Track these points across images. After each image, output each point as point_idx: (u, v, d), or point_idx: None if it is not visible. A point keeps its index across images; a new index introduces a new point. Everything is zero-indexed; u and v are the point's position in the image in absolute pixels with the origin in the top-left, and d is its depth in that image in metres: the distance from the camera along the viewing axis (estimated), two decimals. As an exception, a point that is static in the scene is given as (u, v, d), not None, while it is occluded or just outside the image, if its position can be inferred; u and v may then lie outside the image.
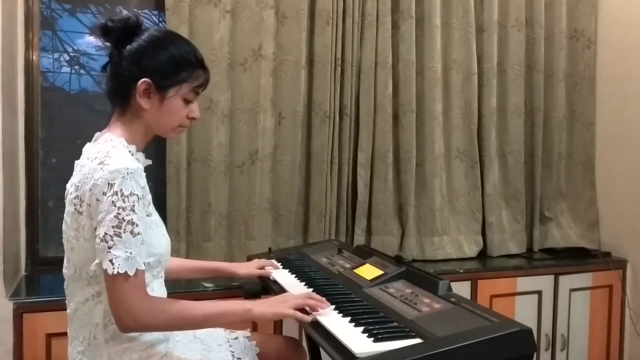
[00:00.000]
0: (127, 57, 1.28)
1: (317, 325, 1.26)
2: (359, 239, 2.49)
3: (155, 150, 2.22)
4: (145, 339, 1.28)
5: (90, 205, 1.18)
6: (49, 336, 1.81)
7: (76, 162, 1.31)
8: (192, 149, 2.27)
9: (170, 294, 1.41)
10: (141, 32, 1.30)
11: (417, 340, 1.11)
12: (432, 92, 2.58)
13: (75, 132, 2.27)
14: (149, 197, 1.26)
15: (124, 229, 1.15)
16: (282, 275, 1.70)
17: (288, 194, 2.40)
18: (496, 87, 2.72)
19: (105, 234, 1.14)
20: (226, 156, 2.31)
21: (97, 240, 1.16)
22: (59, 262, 1.36)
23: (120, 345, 1.25)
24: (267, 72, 2.32)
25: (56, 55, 2.28)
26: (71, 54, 2.31)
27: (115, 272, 1.14)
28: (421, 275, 1.45)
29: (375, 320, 1.24)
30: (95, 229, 1.17)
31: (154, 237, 1.28)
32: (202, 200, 2.27)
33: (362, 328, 1.18)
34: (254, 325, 1.91)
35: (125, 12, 1.33)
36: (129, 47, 1.28)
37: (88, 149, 1.30)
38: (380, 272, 1.53)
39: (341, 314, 1.29)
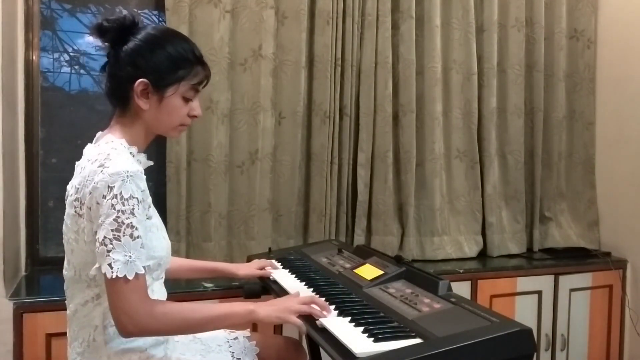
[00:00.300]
0: (123, 57, 1.26)
1: (317, 325, 1.26)
2: (359, 239, 2.49)
3: (155, 150, 2.22)
4: (145, 341, 1.27)
5: (90, 208, 1.18)
6: (49, 336, 1.81)
7: (77, 163, 1.30)
8: (192, 149, 2.27)
9: (170, 294, 1.41)
10: (138, 31, 1.28)
11: (417, 340, 1.11)
12: (432, 92, 2.58)
13: (75, 132, 2.27)
14: (149, 199, 1.25)
15: (124, 233, 1.14)
16: (282, 276, 1.70)
17: (288, 194, 2.40)
18: (496, 87, 2.72)
19: (105, 237, 1.14)
20: (226, 156, 2.31)
21: (97, 243, 1.15)
22: (59, 262, 1.36)
23: (119, 347, 1.24)
24: (267, 72, 2.32)
25: (56, 55, 2.28)
26: (71, 54, 2.31)
27: (114, 276, 1.13)
28: (421, 275, 1.45)
29: (375, 320, 1.24)
30: (96, 232, 1.16)
31: (154, 240, 1.27)
32: (202, 200, 2.27)
33: (362, 328, 1.18)
34: (253, 326, 1.91)
35: (125, 12, 1.30)
36: (125, 47, 1.27)
37: (88, 150, 1.30)
38: (380, 272, 1.53)
39: (341, 314, 1.29)
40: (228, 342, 1.51)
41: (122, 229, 1.14)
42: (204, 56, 1.35)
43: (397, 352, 1.05)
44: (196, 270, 1.73)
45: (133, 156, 1.27)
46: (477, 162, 2.70)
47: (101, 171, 1.16)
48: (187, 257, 2.21)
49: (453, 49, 2.64)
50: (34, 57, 2.19)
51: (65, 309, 1.32)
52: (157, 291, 1.33)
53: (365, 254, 1.73)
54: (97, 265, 1.17)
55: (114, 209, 1.14)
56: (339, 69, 2.43)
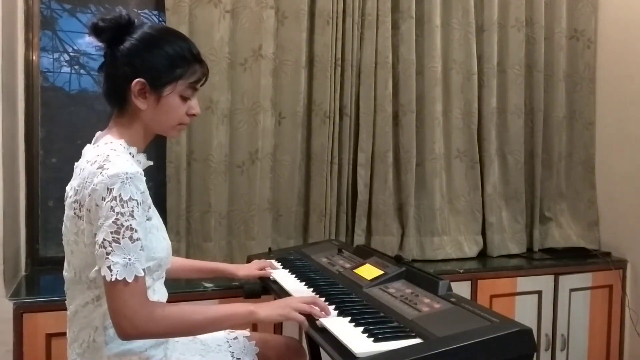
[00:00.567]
0: (120, 57, 1.25)
1: (317, 325, 1.26)
2: (359, 239, 2.49)
3: (155, 150, 2.22)
4: (145, 342, 1.27)
5: (89, 210, 1.17)
6: (49, 336, 1.80)
7: (76, 164, 1.29)
8: (192, 149, 2.27)
9: (171, 294, 1.41)
10: (134, 30, 1.27)
11: (417, 340, 1.11)
12: (432, 92, 2.58)
13: (75, 132, 2.27)
14: (149, 200, 1.24)
15: (123, 235, 1.13)
16: (282, 276, 1.70)
17: (288, 194, 2.40)
18: (496, 87, 2.72)
19: (104, 239, 1.13)
20: (226, 156, 2.31)
21: (96, 246, 1.14)
22: (59, 262, 1.36)
23: (119, 348, 1.24)
24: (267, 72, 2.32)
25: (56, 55, 2.28)
26: (71, 54, 2.31)
27: (113, 279, 1.12)
28: (421, 275, 1.45)
29: (375, 320, 1.24)
30: (95, 234, 1.15)
31: (154, 241, 1.26)
32: (202, 200, 2.27)
33: (362, 328, 1.18)
34: (253, 326, 1.91)
35: (120, 11, 1.29)
36: (121, 46, 1.25)
37: (88, 151, 1.28)
38: (380, 272, 1.53)
39: (341, 314, 1.29)
40: (228, 342, 1.51)
41: (122, 231, 1.13)
42: (202, 54, 1.33)
43: (397, 352, 1.05)
44: (196, 271, 1.73)
45: (132, 156, 1.27)
46: (477, 162, 2.70)
47: (100, 173, 1.16)
48: (187, 256, 2.21)
49: (453, 49, 2.64)
50: (34, 57, 2.19)
51: (65, 309, 1.31)
52: (158, 291, 1.33)
53: (365, 254, 1.73)
54: (96, 268, 1.16)
55: (113, 211, 1.13)
56: (339, 69, 2.43)
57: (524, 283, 2.51)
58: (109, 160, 1.18)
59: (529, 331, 1.08)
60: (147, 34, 1.27)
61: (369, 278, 1.52)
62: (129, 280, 1.13)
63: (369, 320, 1.23)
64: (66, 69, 2.30)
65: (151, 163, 1.36)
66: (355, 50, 2.46)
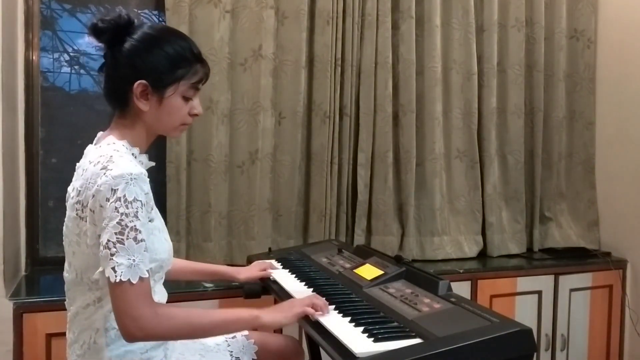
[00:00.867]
0: (120, 58, 1.24)
1: (317, 325, 1.26)
2: (359, 239, 2.49)
3: (155, 150, 2.22)
4: (146, 343, 1.26)
5: (93, 211, 1.16)
6: (49, 336, 1.81)
7: (77, 164, 1.29)
8: (192, 149, 2.27)
9: (171, 294, 1.41)
10: (134, 31, 1.25)
11: (417, 340, 1.11)
12: (432, 92, 2.58)
13: (75, 132, 2.27)
14: (152, 202, 1.24)
15: (127, 236, 1.12)
16: (282, 276, 1.70)
17: (288, 194, 2.40)
18: (496, 87, 2.72)
19: (108, 240, 1.12)
20: (226, 156, 2.31)
21: (101, 247, 1.14)
22: (59, 262, 1.36)
23: (120, 349, 1.24)
24: (267, 72, 2.32)
25: (56, 55, 2.28)
26: (71, 54, 2.31)
27: (118, 280, 1.11)
28: (421, 275, 1.45)
29: (375, 320, 1.24)
30: (99, 235, 1.15)
31: (156, 243, 1.26)
32: (202, 200, 2.27)
33: (362, 328, 1.18)
34: (253, 325, 1.91)
35: (120, 11, 1.28)
36: (122, 47, 1.24)
37: (90, 152, 1.28)
38: (380, 272, 1.53)
39: (341, 314, 1.29)
40: (226, 341, 1.51)
41: (126, 232, 1.13)
42: (203, 54, 1.33)
43: (397, 352, 1.05)
44: (197, 273, 1.73)
45: (135, 157, 1.26)
46: (477, 162, 2.70)
47: (104, 174, 1.15)
48: (187, 257, 2.21)
49: (453, 49, 2.64)
50: (34, 57, 2.19)
51: (65, 309, 1.31)
52: (158, 292, 1.33)
53: (365, 254, 1.73)
54: (100, 269, 1.16)
55: (118, 212, 1.12)
56: (339, 69, 2.42)
57: (524, 283, 2.51)
58: (113, 161, 1.17)
59: (529, 331, 1.08)
60: (148, 34, 1.26)
61: (369, 278, 1.52)
62: (134, 281, 1.12)
63: (369, 320, 1.23)
64: (66, 69, 2.30)
65: (153, 164, 1.35)
66: (355, 50, 2.46)
